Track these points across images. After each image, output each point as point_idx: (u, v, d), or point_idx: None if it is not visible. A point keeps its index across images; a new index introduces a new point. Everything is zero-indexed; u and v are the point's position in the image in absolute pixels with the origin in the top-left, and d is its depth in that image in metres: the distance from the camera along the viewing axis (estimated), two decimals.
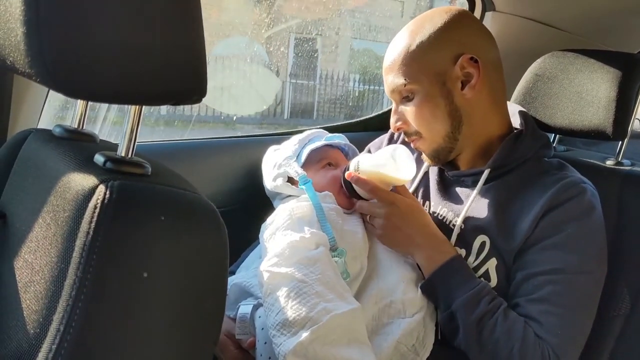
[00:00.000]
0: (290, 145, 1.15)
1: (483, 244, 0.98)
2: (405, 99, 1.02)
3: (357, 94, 7.78)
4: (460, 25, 1.00)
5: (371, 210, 1.02)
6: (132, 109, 0.59)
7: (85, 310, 0.49)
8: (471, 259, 0.98)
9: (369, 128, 1.55)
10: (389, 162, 1.01)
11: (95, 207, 0.52)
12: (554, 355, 0.89)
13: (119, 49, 0.52)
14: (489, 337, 0.90)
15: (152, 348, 0.54)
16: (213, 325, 0.60)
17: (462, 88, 0.98)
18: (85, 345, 0.50)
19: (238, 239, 1.32)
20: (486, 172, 1.00)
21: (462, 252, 1.00)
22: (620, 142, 1.18)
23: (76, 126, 0.74)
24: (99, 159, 0.59)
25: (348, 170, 1.05)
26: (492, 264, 0.97)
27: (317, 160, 1.12)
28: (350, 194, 1.06)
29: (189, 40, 0.57)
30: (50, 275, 0.54)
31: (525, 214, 0.95)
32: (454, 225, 1.02)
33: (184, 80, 0.58)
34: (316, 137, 1.16)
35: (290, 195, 1.10)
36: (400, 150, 1.01)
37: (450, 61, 0.98)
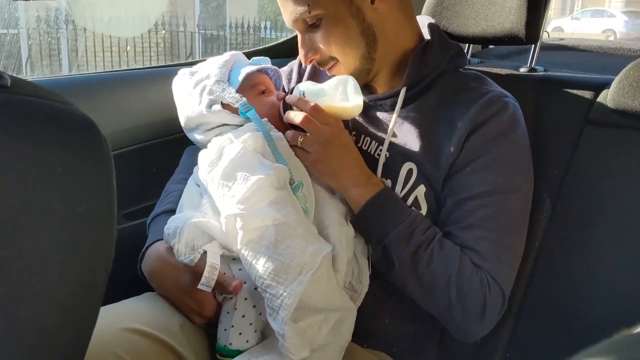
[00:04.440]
0: (213, 68, 0.99)
1: (410, 171, 0.93)
2: (312, 26, 0.93)
3: (270, 42, 7.59)
4: None
5: (316, 129, 0.91)
6: None
7: None
8: (398, 188, 0.94)
9: (280, 55, 1.46)
10: (337, 93, 0.93)
11: None
12: (492, 281, 0.88)
13: None
14: (425, 269, 0.87)
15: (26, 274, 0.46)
16: (103, 252, 0.52)
17: (372, 2, 0.92)
18: None
19: (149, 176, 1.23)
20: (403, 92, 0.95)
21: (389, 182, 0.95)
22: (532, 48, 1.17)
23: None
24: None
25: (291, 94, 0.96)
26: (420, 191, 0.93)
27: (251, 85, 1.00)
28: (290, 123, 0.96)
29: None
30: None
31: (449, 135, 0.91)
32: (378, 155, 0.96)
33: None
34: (240, 61, 1.03)
35: (223, 125, 0.97)
36: (351, 82, 0.93)
37: None
